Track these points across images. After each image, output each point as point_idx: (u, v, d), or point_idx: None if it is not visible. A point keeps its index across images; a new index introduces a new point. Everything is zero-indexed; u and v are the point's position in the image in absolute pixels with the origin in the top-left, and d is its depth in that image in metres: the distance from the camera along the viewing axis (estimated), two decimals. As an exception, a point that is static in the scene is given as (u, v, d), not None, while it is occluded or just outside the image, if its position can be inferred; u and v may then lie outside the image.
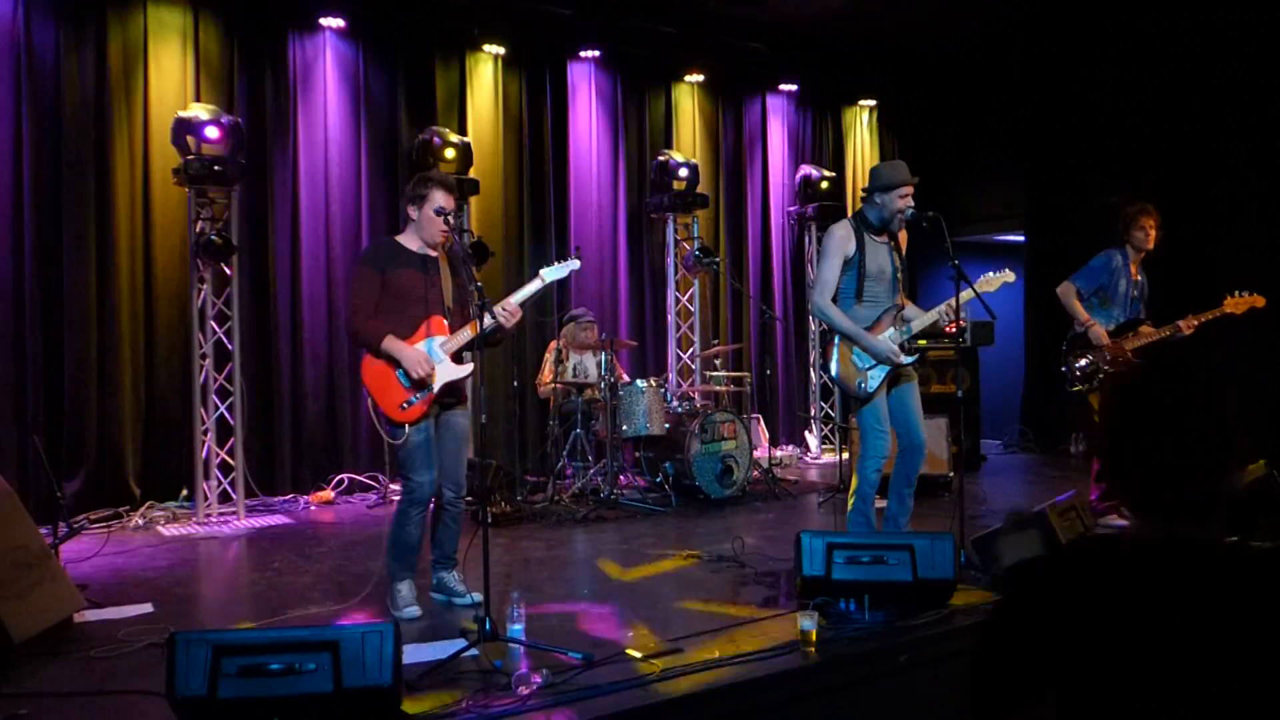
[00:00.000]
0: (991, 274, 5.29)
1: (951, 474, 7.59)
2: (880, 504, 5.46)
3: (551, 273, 4.88)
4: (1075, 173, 10.50)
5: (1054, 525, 4.89)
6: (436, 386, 4.57)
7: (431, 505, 4.72)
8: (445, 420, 4.71)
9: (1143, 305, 6.50)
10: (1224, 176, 9.28)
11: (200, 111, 6.93)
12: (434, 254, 4.70)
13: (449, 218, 4.61)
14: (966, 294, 5.15)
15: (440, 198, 4.61)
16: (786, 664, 3.78)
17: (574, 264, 4.96)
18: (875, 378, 5.13)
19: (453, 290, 4.72)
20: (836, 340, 5.20)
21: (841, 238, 5.17)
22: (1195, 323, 6.24)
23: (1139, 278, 6.48)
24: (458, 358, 4.65)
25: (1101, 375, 6.32)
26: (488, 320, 4.42)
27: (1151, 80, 9.72)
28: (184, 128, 6.92)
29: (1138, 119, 9.88)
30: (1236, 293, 6.28)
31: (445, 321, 4.63)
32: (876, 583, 4.31)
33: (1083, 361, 6.37)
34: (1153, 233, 6.42)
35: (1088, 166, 10.35)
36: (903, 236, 5.40)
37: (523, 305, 4.71)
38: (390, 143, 8.42)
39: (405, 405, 4.53)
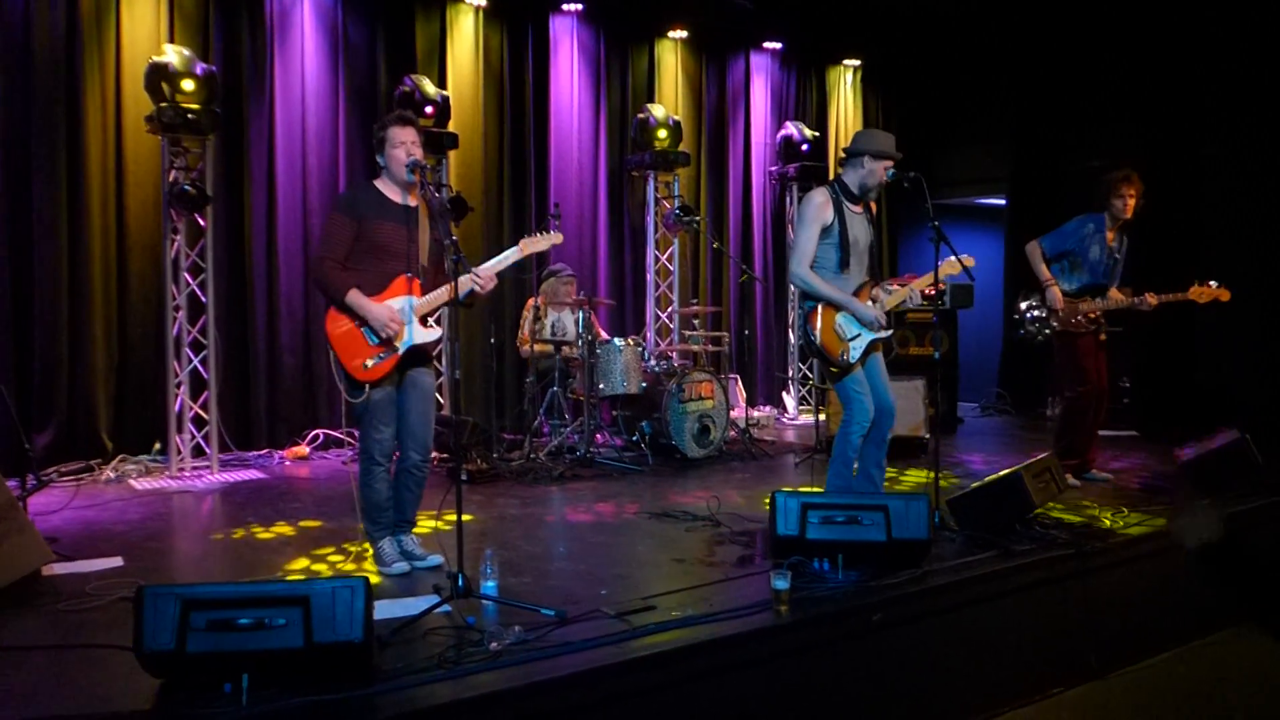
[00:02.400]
0: (954, 257, 5.27)
1: (928, 436, 7.62)
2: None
3: (532, 244, 4.71)
4: (1058, 137, 10.48)
5: (1028, 487, 4.92)
6: (403, 349, 4.44)
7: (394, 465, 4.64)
8: (411, 379, 4.56)
9: (1115, 268, 6.48)
10: (1208, 139, 9.28)
11: (174, 57, 6.77)
12: (414, 203, 4.57)
13: (419, 164, 4.47)
14: (924, 280, 5.27)
15: (398, 133, 4.46)
16: (759, 622, 3.78)
17: (556, 238, 4.85)
18: (858, 348, 5.09)
19: (430, 245, 4.58)
20: (819, 309, 5.14)
21: (820, 205, 5.10)
22: (1156, 301, 6.30)
23: (1115, 244, 6.46)
24: (425, 321, 4.54)
25: (1048, 330, 6.40)
26: (465, 282, 4.34)
27: (1135, 44, 9.68)
28: (158, 74, 6.76)
29: (1121, 83, 9.85)
30: (1204, 282, 6.30)
31: (420, 281, 4.50)
32: (851, 542, 4.32)
33: (1036, 311, 6.44)
34: (1132, 201, 6.37)
35: (1071, 130, 10.34)
36: (873, 206, 5.40)
37: (500, 274, 4.62)
38: (369, 94, 8.29)
39: (368, 365, 4.39)
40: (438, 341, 4.63)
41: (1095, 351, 6.42)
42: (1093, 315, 6.36)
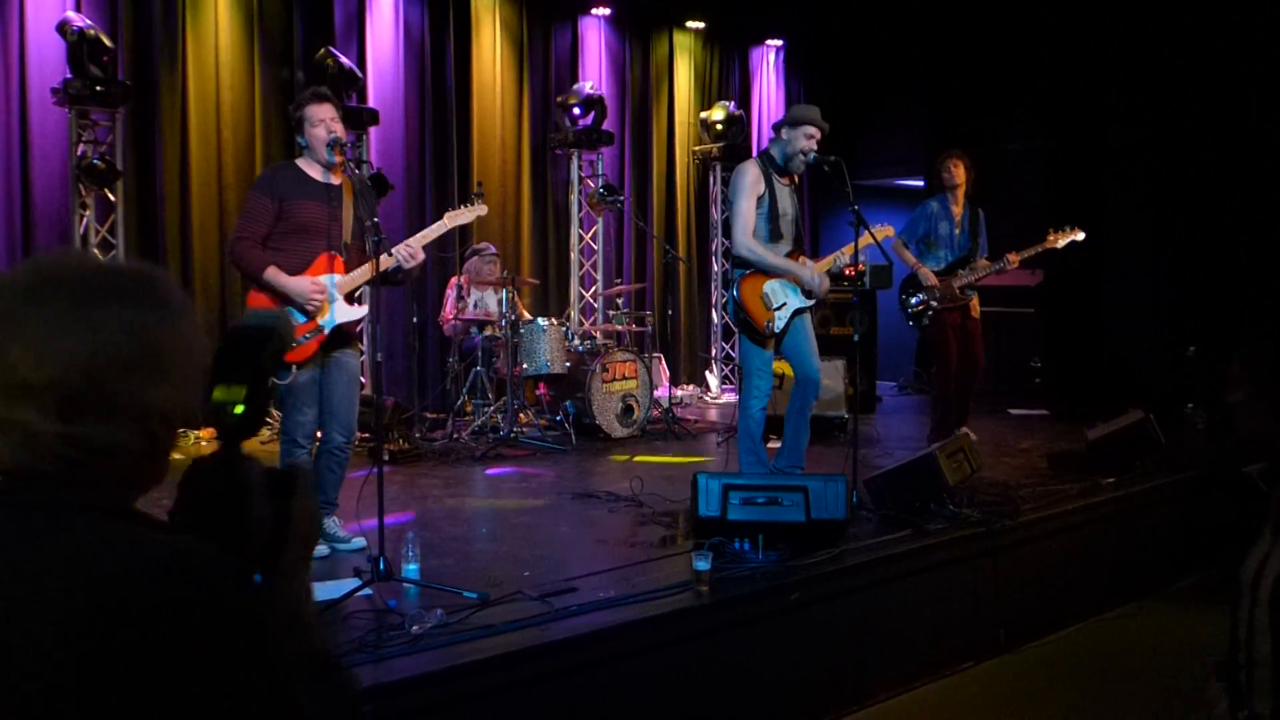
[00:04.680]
0: (875, 227, 5.45)
1: (847, 415, 7.75)
2: (774, 444, 5.60)
3: (456, 216, 4.72)
4: (973, 121, 10.67)
5: (942, 467, 5.04)
6: (329, 327, 4.39)
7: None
8: (336, 360, 4.51)
9: (975, 241, 6.96)
10: (1116, 124, 9.55)
11: (84, 25, 6.54)
12: (337, 181, 4.49)
13: (340, 141, 4.40)
14: (865, 239, 5.27)
15: (315, 110, 4.38)
16: (680, 603, 3.82)
17: (480, 209, 4.84)
18: (782, 318, 5.24)
19: (353, 223, 4.51)
20: (747, 277, 5.25)
21: (754, 176, 5.23)
22: (1017, 259, 6.79)
23: (964, 217, 6.96)
24: (351, 299, 4.49)
25: (931, 312, 6.87)
26: (388, 260, 4.31)
27: (1051, 31, 9.89)
28: (83, 43, 6.51)
29: (1034, 70, 10.06)
30: (1059, 228, 6.87)
31: (343, 259, 4.44)
32: (771, 523, 4.38)
33: (915, 300, 6.94)
34: (956, 172, 6.91)
35: (985, 115, 10.54)
36: (797, 179, 5.53)
37: (425, 247, 4.60)
38: (286, 67, 8.11)
39: (294, 344, 4.33)
40: (362, 319, 4.59)
41: (958, 328, 6.87)
42: (962, 287, 6.85)
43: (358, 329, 4.61)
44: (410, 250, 4.40)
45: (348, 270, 4.44)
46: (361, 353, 4.34)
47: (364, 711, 1.40)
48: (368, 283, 4.48)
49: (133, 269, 1.20)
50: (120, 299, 1.13)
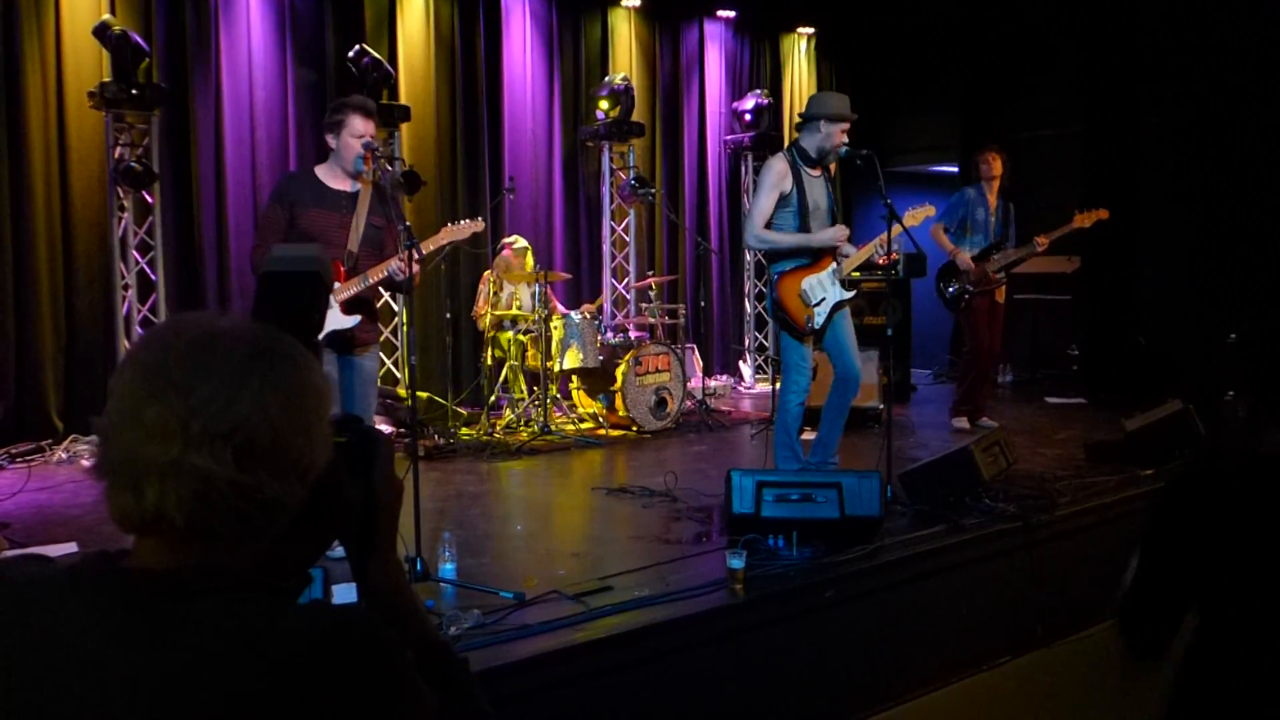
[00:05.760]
0: (914, 208, 5.44)
1: (881, 406, 7.72)
2: (809, 435, 5.59)
3: (456, 231, 4.85)
4: (1007, 106, 10.57)
5: (978, 461, 5.01)
6: (319, 335, 4.43)
7: None
8: (352, 364, 4.55)
9: (1007, 229, 7.36)
10: (1152, 108, 9.42)
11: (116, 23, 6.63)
12: (355, 188, 4.54)
13: (371, 145, 4.43)
14: (897, 229, 5.24)
15: (358, 124, 4.41)
16: (715, 601, 3.83)
17: (477, 225, 4.94)
18: (821, 313, 5.24)
19: (365, 230, 4.49)
20: (784, 276, 5.25)
21: (780, 172, 5.20)
22: (1046, 240, 7.16)
23: (999, 206, 7.37)
24: (348, 307, 4.47)
25: (968, 297, 7.28)
26: (379, 272, 4.39)
27: (1085, 14, 9.76)
28: (124, 45, 6.62)
29: (1067, 54, 9.94)
30: (1085, 209, 7.20)
31: (345, 267, 4.45)
32: (805, 520, 4.39)
33: (952, 288, 7.35)
34: (995, 164, 7.33)
35: (1019, 100, 10.43)
36: (833, 167, 5.50)
37: (424, 260, 4.60)
38: (317, 65, 8.16)
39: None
40: (363, 329, 4.56)
41: (987, 312, 7.28)
42: (996, 271, 7.23)
43: (371, 333, 4.62)
44: (400, 265, 4.39)
45: (348, 279, 4.46)
46: (393, 349, 4.36)
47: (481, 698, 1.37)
48: (391, 287, 4.52)
49: (276, 330, 1.21)
50: (290, 357, 1.15)
